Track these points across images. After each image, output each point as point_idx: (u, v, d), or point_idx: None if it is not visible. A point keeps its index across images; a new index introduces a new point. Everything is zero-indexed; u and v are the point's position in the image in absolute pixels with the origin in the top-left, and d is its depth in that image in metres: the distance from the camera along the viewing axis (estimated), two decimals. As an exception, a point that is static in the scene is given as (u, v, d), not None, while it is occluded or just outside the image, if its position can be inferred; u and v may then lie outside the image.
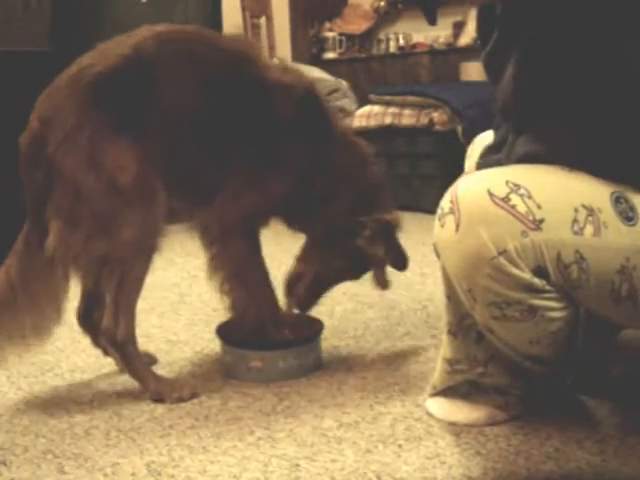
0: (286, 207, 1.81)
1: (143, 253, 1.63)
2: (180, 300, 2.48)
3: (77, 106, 1.59)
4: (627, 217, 1.27)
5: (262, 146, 1.71)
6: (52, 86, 1.65)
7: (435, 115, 3.77)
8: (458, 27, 4.87)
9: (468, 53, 4.64)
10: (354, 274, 1.92)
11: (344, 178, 1.80)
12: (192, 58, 1.67)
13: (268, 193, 1.72)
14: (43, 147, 1.59)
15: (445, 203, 1.31)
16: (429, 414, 1.52)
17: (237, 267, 1.75)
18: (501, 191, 1.25)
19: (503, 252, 1.24)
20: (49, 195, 1.60)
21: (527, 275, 1.25)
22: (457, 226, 1.27)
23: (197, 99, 1.66)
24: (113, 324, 1.63)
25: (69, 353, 2.00)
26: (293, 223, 1.88)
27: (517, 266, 1.24)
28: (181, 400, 1.63)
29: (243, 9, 4.31)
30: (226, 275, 1.75)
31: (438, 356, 1.52)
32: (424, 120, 3.82)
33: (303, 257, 1.90)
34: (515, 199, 1.24)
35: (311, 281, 1.87)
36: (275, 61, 1.80)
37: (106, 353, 1.82)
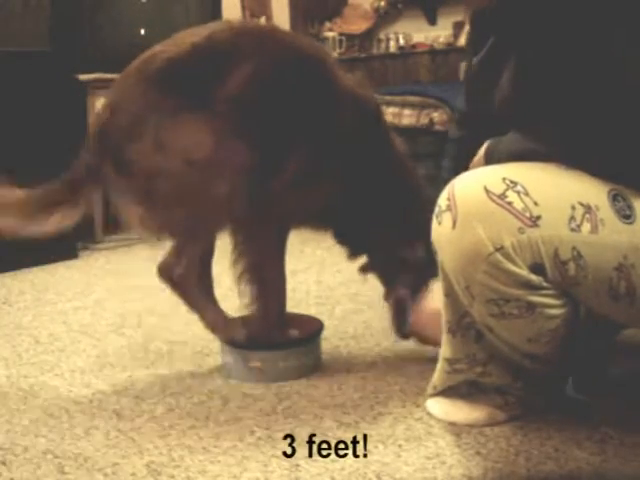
0: (334, 220, 1.80)
1: (222, 213, 1.64)
2: (180, 300, 2.48)
3: (143, 91, 1.59)
4: (625, 215, 1.28)
5: (318, 150, 1.68)
6: (124, 73, 1.66)
7: (435, 115, 3.78)
8: (458, 27, 4.86)
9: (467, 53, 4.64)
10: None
11: (397, 201, 1.77)
12: (265, 52, 1.65)
13: (312, 198, 1.71)
14: (111, 133, 1.60)
15: (442, 200, 1.32)
16: (429, 414, 1.52)
17: (255, 263, 1.75)
18: (498, 188, 1.26)
19: (500, 248, 1.24)
20: (121, 187, 1.62)
21: (524, 272, 1.25)
22: (454, 223, 1.28)
23: (263, 94, 1.64)
24: (173, 261, 1.69)
25: (69, 353, 2.00)
26: (344, 241, 1.85)
27: (514, 262, 1.24)
28: (232, 342, 1.67)
29: (243, 9, 4.32)
30: (242, 269, 1.75)
31: (438, 356, 1.52)
32: (424, 120, 3.82)
33: (388, 293, 1.85)
34: (512, 196, 1.25)
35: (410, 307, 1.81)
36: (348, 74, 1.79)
37: None
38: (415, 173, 1.83)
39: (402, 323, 1.84)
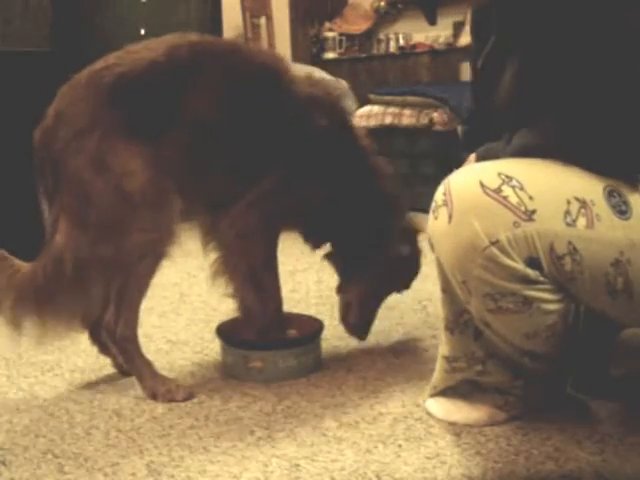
0: (306, 218, 1.81)
1: (149, 259, 1.62)
2: (180, 300, 2.48)
3: (91, 105, 1.57)
4: (620, 211, 1.28)
5: (289, 157, 1.70)
6: (72, 81, 1.64)
7: (435, 115, 3.77)
8: (458, 27, 4.86)
9: (468, 53, 4.64)
10: (400, 284, 1.92)
11: (364, 193, 1.79)
12: (223, 70, 1.66)
13: (292, 202, 1.72)
14: (53, 143, 1.58)
15: (438, 196, 1.32)
16: (429, 414, 1.52)
17: (251, 268, 1.74)
18: (493, 182, 1.26)
19: (495, 242, 1.24)
20: (56, 193, 1.59)
21: (520, 266, 1.25)
22: (450, 217, 1.28)
23: (224, 110, 1.65)
24: (113, 320, 1.64)
25: (69, 353, 2.00)
26: (312, 236, 1.87)
27: (509, 256, 1.25)
28: (172, 401, 1.63)
29: (243, 9, 4.31)
30: (238, 275, 1.75)
31: (438, 356, 1.52)
32: (424, 120, 3.82)
33: (342, 287, 1.90)
34: (507, 190, 1.25)
35: (358, 307, 1.86)
36: (302, 74, 1.79)
37: (103, 352, 1.83)
38: (379, 167, 1.85)
39: (349, 321, 1.89)
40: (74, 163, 1.56)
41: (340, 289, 1.91)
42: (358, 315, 1.87)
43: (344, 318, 1.90)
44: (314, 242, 1.88)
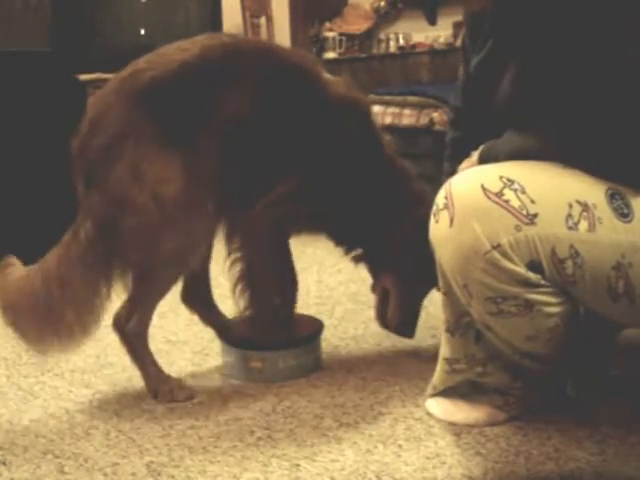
0: (334, 224, 1.79)
1: (177, 267, 1.63)
2: (180, 300, 2.47)
3: (123, 111, 1.55)
4: (622, 214, 1.28)
5: (317, 158, 1.68)
6: (104, 88, 1.62)
7: (435, 115, 3.77)
8: (458, 27, 4.86)
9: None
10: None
11: (388, 200, 1.76)
12: (256, 71, 1.64)
13: (312, 205, 1.71)
14: (88, 152, 1.57)
15: (440, 199, 1.32)
16: (429, 414, 1.52)
17: (253, 268, 1.74)
18: (495, 186, 1.26)
19: (497, 246, 1.24)
20: (85, 198, 1.60)
21: (521, 269, 1.25)
22: (451, 221, 1.28)
23: (258, 112, 1.63)
24: (125, 315, 1.64)
25: (69, 353, 2.00)
26: (343, 242, 1.84)
27: (511, 260, 1.25)
28: (173, 401, 1.63)
29: (243, 9, 4.31)
30: (248, 269, 1.74)
31: (438, 356, 1.52)
32: (424, 120, 3.82)
33: (375, 280, 1.85)
34: (509, 194, 1.25)
35: (397, 297, 1.78)
36: (334, 77, 1.76)
37: None
38: (406, 170, 1.82)
39: (384, 314, 1.83)
40: (109, 171, 1.55)
41: (375, 285, 1.85)
42: (397, 306, 1.78)
43: (382, 315, 1.82)
44: (346, 248, 1.85)
